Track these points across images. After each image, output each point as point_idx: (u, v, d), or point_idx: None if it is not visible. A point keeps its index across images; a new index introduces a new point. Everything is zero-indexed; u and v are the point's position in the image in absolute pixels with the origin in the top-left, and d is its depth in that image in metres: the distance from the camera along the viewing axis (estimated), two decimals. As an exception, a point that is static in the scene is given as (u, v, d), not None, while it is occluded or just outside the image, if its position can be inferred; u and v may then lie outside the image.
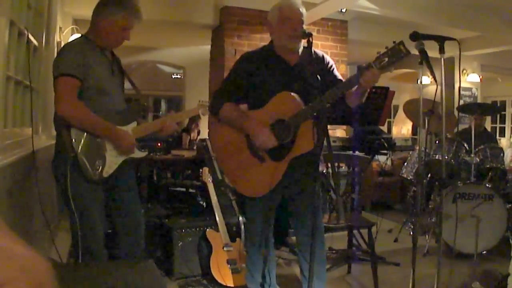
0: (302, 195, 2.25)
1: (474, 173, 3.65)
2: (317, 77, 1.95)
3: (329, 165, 2.39)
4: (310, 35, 1.98)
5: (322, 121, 1.93)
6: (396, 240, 4.09)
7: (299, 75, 2.17)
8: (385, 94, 3.64)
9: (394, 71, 7.17)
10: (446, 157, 3.75)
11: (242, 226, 2.93)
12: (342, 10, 5.18)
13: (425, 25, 5.23)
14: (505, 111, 9.28)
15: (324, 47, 5.38)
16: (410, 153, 4.45)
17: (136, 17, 2.12)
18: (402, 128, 9.13)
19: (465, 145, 3.86)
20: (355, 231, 3.36)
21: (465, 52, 6.47)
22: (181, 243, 2.92)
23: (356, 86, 2.03)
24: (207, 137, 4.40)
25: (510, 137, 9.05)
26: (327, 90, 1.99)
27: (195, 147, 5.01)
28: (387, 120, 8.65)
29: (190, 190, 4.24)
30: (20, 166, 2.25)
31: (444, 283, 2.64)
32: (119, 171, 2.14)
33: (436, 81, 2.08)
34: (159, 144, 4.07)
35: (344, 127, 5.48)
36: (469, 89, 7.48)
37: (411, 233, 4.09)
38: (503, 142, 8.01)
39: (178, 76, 9.28)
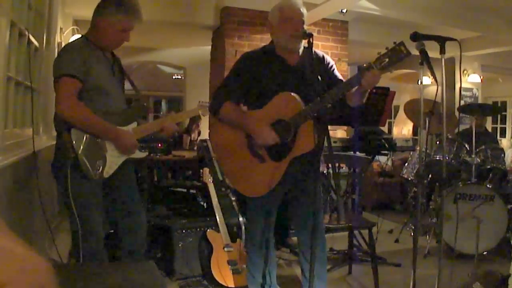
0: (303, 195, 2.25)
1: (474, 174, 3.65)
2: (318, 78, 1.95)
3: (330, 165, 2.40)
4: (310, 35, 1.98)
5: (322, 122, 1.93)
6: (396, 241, 4.08)
7: (300, 75, 2.17)
8: (385, 94, 3.64)
9: (395, 71, 7.17)
10: (447, 158, 3.75)
11: (243, 227, 2.93)
12: (343, 11, 5.18)
13: (426, 25, 5.23)
14: (505, 111, 9.27)
15: (324, 48, 5.38)
16: (411, 153, 4.45)
17: (136, 18, 2.12)
18: (402, 128, 9.13)
19: (466, 145, 3.85)
20: (355, 232, 3.36)
21: (465, 53, 6.46)
22: (181, 243, 2.92)
23: (357, 86, 2.03)
24: (208, 138, 4.40)
25: (511, 137, 9.04)
26: (328, 91, 1.99)
27: (195, 148, 5.02)
28: (388, 120, 8.65)
29: (191, 191, 4.24)
30: (21, 166, 2.25)
31: (444, 283, 2.63)
32: (120, 172, 2.14)
33: (436, 81, 2.08)
34: (159, 145, 4.08)
35: (345, 127, 5.48)
36: (470, 89, 7.47)
37: (412, 233, 4.09)
38: (504, 142, 7.99)
39: (179, 77, 9.30)
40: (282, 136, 2.09)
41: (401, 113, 7.05)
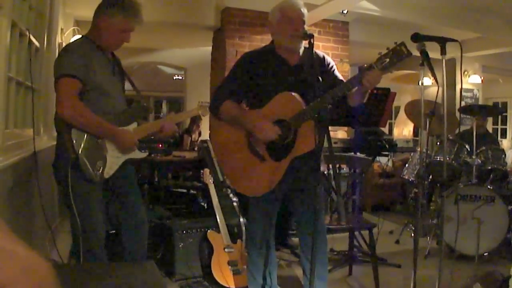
0: (304, 196, 2.25)
1: (475, 175, 3.64)
2: (318, 78, 1.95)
3: (330, 166, 2.39)
4: (311, 36, 1.98)
5: (323, 122, 1.93)
6: (397, 242, 4.08)
7: (300, 75, 2.17)
8: (386, 95, 3.64)
9: (395, 72, 7.17)
10: (448, 159, 3.75)
11: (243, 227, 2.93)
12: (344, 11, 5.18)
13: (427, 26, 5.23)
14: (506, 112, 9.26)
15: (325, 48, 5.38)
16: (411, 154, 4.44)
17: (136, 19, 2.12)
18: (403, 129, 9.12)
19: (467, 146, 3.85)
20: (356, 233, 3.35)
21: (466, 54, 6.45)
22: (182, 244, 2.92)
23: (358, 86, 2.02)
24: (208, 138, 4.41)
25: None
26: (328, 91, 1.99)
27: (196, 148, 5.02)
28: (388, 121, 8.65)
29: (191, 191, 4.24)
30: (22, 167, 2.25)
31: (445, 284, 2.63)
32: (120, 172, 2.14)
33: (437, 82, 2.08)
34: (160, 146, 4.08)
35: (346, 128, 5.48)
36: (471, 90, 7.46)
37: (412, 234, 4.08)
38: (505, 143, 7.98)
39: (179, 77, 9.29)
40: (282, 135, 2.09)
41: (402, 114, 7.04)
